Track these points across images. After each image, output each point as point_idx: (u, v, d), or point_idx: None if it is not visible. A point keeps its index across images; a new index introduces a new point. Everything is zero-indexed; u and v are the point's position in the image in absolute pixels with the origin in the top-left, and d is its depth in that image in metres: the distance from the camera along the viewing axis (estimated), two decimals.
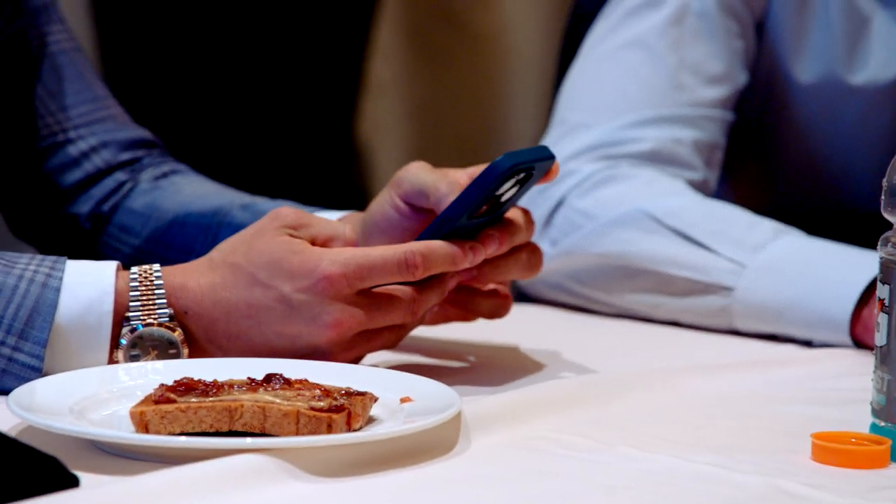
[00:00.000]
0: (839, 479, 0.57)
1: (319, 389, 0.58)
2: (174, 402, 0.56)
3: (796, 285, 0.83)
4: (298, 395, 0.58)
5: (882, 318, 0.58)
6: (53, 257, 0.68)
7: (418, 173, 0.72)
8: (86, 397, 0.61)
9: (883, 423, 0.59)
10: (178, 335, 0.67)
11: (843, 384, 0.74)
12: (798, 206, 0.99)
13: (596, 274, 0.89)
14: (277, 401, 0.57)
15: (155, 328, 0.66)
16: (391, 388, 0.62)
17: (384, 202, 0.74)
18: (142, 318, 0.66)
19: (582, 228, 0.89)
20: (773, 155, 1.02)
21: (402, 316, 0.68)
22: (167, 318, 0.67)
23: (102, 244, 0.90)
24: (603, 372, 0.77)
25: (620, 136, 0.92)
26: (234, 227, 0.78)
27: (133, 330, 0.67)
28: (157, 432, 0.55)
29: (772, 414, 0.70)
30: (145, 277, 0.67)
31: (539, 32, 2.39)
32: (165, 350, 0.67)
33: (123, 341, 0.67)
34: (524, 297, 0.94)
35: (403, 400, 0.61)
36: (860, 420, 0.62)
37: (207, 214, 0.86)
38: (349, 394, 0.58)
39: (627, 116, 0.92)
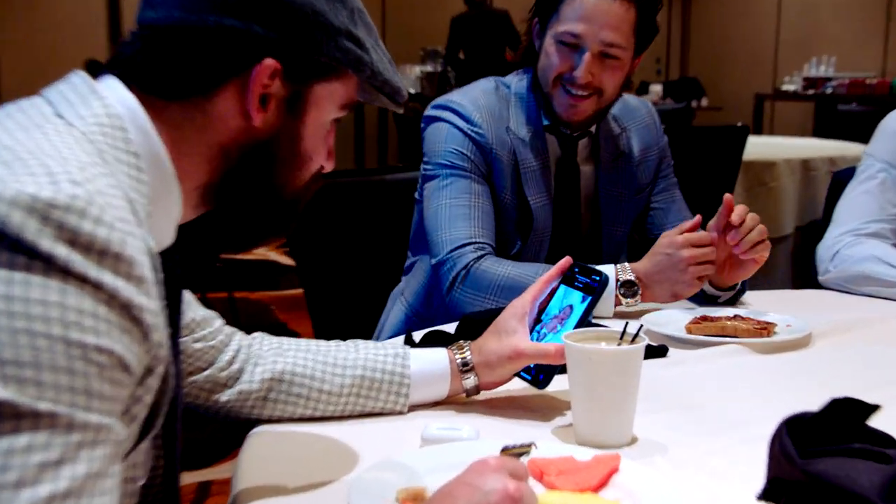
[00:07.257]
0: None
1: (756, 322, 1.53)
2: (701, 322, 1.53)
3: None
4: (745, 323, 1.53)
5: None
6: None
7: None
8: None
9: None
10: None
11: None
12: None
13: (853, 279, 1.87)
14: (744, 325, 1.52)
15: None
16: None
17: None
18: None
19: (847, 261, 1.88)
20: None
21: None
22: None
23: None
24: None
25: (860, 227, 1.94)
26: None
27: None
28: (701, 333, 1.51)
29: None
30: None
31: None
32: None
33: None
34: (822, 287, 1.93)
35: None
36: None
37: None
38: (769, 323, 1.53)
39: (864, 219, 1.96)
